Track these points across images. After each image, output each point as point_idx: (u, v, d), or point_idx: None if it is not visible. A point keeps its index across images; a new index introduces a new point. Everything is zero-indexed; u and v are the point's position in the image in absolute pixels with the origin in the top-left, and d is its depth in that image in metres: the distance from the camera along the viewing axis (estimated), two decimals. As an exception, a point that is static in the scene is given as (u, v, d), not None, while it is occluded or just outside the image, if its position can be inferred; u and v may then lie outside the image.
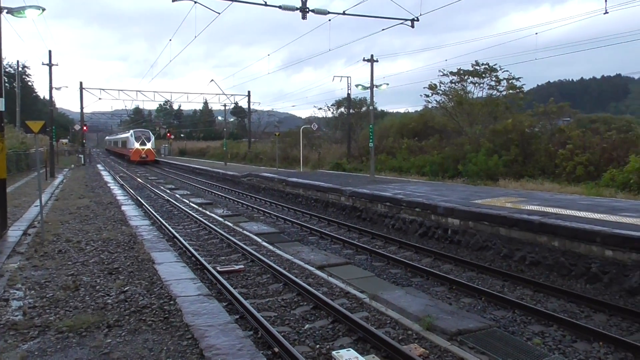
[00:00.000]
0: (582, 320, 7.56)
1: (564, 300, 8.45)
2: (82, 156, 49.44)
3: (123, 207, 15.98)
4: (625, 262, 8.69)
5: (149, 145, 56.23)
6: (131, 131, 59.27)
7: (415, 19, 17.91)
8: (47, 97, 34.49)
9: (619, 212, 11.31)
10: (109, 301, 6.46)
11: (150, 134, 59.44)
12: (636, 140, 20.97)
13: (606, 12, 16.66)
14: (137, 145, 55.33)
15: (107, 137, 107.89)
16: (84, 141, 52.36)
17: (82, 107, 47.80)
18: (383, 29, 19.55)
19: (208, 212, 18.05)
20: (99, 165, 48.84)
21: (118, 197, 19.02)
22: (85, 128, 50.43)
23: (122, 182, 29.36)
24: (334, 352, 5.87)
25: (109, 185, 25.19)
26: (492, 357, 6.15)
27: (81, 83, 46.66)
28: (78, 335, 5.29)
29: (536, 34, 44.20)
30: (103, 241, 10.41)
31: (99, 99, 48.58)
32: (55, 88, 35.83)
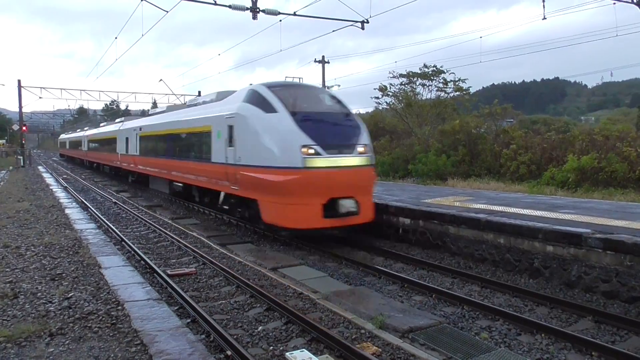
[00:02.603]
0: (525, 313, 7.87)
1: (509, 295, 8.77)
2: (21, 157, 47.10)
3: (67, 210, 15.31)
4: (564, 257, 9.14)
5: (359, 154, 11.80)
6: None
7: (365, 20, 18.19)
8: (-18, 95, 32.44)
9: (558, 209, 11.87)
10: (52, 308, 6.16)
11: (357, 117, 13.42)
12: (573, 141, 22.10)
13: (544, 18, 17.55)
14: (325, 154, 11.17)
15: (63, 135, 73.42)
16: (24, 142, 49.92)
17: (20, 106, 45.61)
18: (334, 30, 19.72)
19: (157, 215, 17.58)
20: (40, 167, 46.64)
21: (61, 200, 18.21)
22: (24, 128, 48.08)
23: (65, 185, 28.12)
24: (287, 354, 5.85)
25: (51, 187, 24.08)
26: (442, 353, 6.30)
27: (19, 81, 44.55)
28: (17, 346, 5.01)
29: (480, 37, 45.91)
30: (45, 246, 9.93)
31: (40, 97, 46.46)
32: (-9, 85, 33.94)
